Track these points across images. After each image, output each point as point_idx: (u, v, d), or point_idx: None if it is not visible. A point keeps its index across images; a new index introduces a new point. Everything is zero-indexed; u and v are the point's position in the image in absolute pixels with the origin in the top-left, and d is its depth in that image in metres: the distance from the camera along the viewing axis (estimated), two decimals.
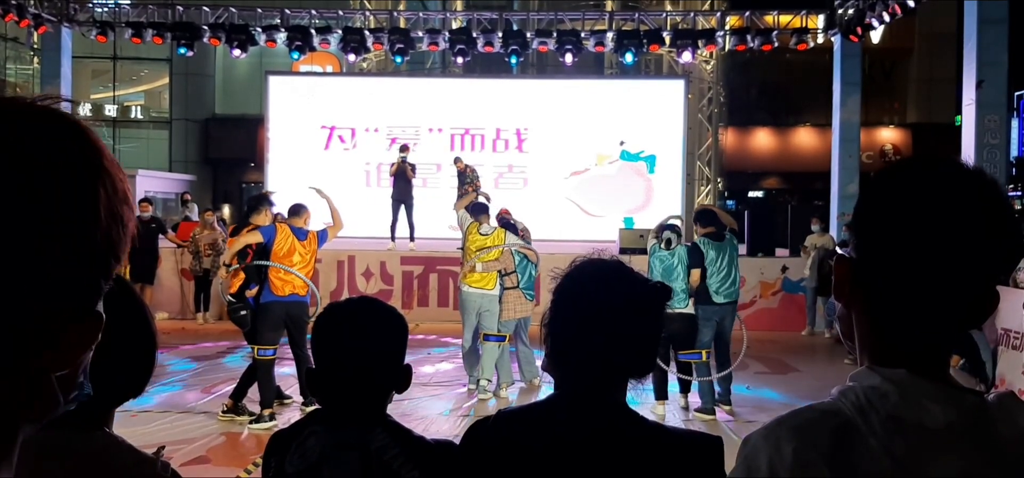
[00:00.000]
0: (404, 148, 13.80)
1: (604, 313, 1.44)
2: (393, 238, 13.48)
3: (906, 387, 0.98)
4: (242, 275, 7.03)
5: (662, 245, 7.49)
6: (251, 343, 7.04)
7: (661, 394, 7.42)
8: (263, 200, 7.49)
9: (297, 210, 7.18)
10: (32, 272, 0.61)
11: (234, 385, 7.19)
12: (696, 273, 7.36)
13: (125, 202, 0.67)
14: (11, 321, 0.61)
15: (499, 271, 7.96)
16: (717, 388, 7.55)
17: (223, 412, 7.03)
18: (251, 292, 7.02)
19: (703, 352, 7.41)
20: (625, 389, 1.49)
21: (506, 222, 8.77)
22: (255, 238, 6.88)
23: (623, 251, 12.69)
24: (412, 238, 13.50)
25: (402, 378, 1.83)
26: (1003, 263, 1.01)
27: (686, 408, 7.53)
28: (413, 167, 13.61)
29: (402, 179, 13.43)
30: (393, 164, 13.73)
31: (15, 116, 0.63)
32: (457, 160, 14.21)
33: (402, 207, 13.49)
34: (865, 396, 0.98)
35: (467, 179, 13.23)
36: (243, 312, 7.01)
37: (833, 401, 1.01)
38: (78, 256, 0.63)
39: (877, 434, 0.95)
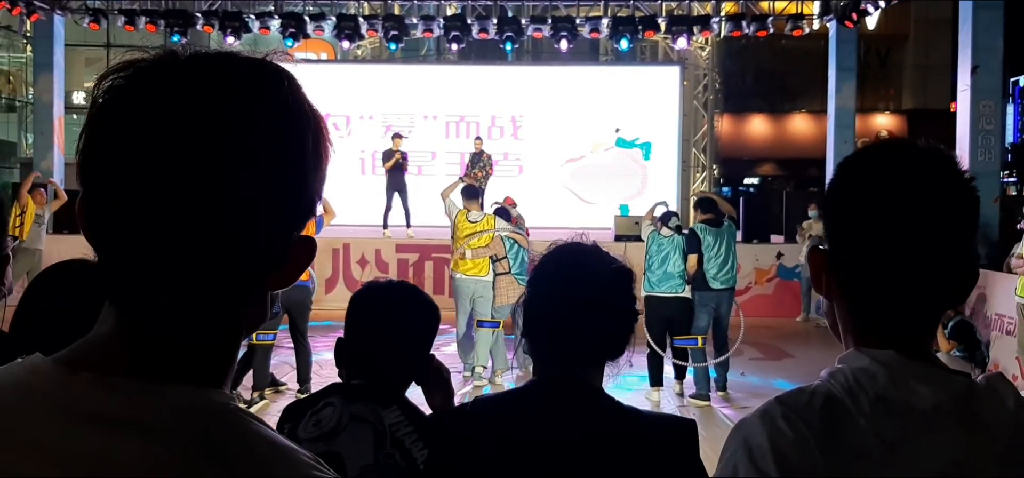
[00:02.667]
0: (398, 136, 13.78)
1: (588, 290, 1.45)
2: (386, 225, 13.47)
3: (895, 368, 0.98)
4: None
5: (663, 229, 7.51)
6: None
7: (656, 380, 7.42)
8: None
9: None
10: (284, 201, 0.69)
11: None
12: (693, 259, 7.36)
13: (329, 142, 0.75)
14: (266, 243, 0.69)
15: (491, 257, 7.93)
16: (713, 374, 7.57)
17: None
18: None
19: (699, 338, 7.42)
20: (602, 373, 1.49)
21: (499, 208, 8.74)
22: None
23: (618, 238, 12.69)
24: (408, 225, 13.48)
25: (424, 370, 1.87)
26: (967, 240, 1.02)
27: (681, 394, 7.54)
28: (404, 155, 13.57)
29: (396, 167, 13.42)
30: (391, 154, 13.66)
31: (254, 70, 0.71)
32: (478, 139, 14.21)
33: (396, 195, 13.48)
34: (854, 377, 0.99)
35: (478, 164, 13.19)
36: None
37: (823, 382, 1.02)
38: (306, 186, 0.72)
39: (866, 415, 0.96)
